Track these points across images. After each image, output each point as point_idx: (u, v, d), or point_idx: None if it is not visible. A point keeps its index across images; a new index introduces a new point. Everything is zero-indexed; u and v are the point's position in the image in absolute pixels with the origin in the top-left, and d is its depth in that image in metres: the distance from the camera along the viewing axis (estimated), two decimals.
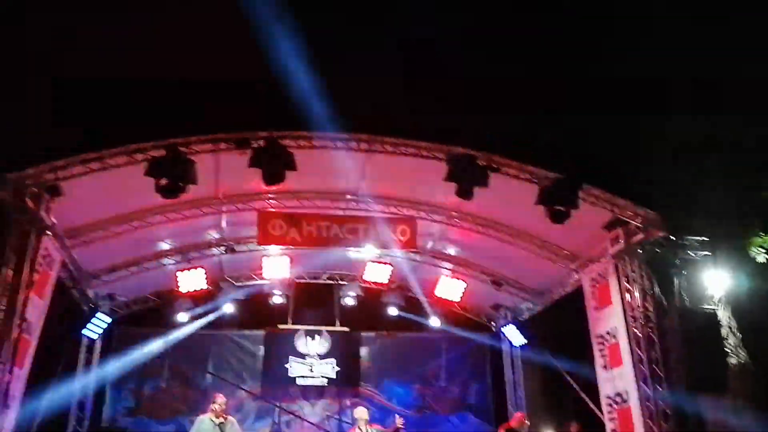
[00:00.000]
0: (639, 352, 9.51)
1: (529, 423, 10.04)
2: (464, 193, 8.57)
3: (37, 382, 9.23)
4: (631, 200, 9.35)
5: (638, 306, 9.65)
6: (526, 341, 13.31)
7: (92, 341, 12.06)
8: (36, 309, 8.34)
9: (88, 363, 12.04)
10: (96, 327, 11.58)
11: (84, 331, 11.49)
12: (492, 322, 14.41)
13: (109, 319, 11.80)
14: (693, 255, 9.81)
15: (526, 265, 11.64)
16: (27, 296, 7.85)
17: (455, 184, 8.56)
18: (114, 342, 12.72)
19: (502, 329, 13.87)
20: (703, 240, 9.61)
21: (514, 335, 13.48)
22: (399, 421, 8.82)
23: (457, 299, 12.59)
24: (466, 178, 8.53)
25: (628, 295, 9.88)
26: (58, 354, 10.76)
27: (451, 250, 12.26)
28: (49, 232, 8.45)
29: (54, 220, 8.50)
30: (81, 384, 11.74)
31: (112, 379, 12.48)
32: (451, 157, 8.65)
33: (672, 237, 9.53)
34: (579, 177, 8.86)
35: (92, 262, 10.67)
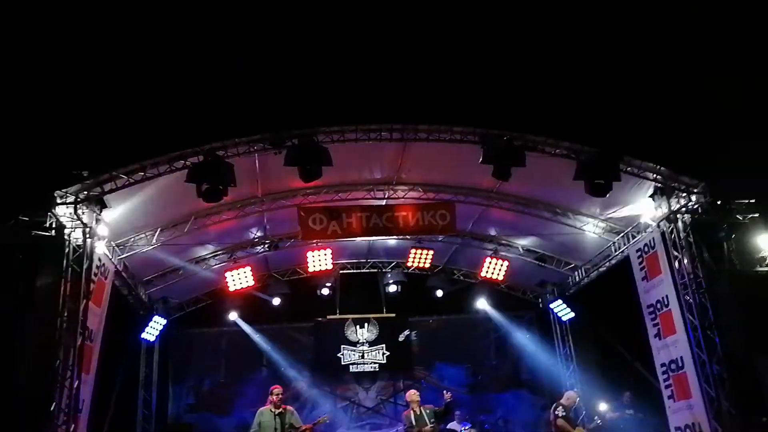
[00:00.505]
0: (692, 318, 9.38)
1: (579, 398, 10.03)
2: (501, 173, 8.55)
3: (103, 385, 9.68)
4: (673, 168, 9.16)
5: (688, 273, 9.50)
6: (574, 315, 13.22)
7: (151, 344, 12.51)
8: (95, 317, 8.70)
9: (148, 364, 12.49)
10: (153, 329, 12.00)
11: (143, 335, 11.91)
12: (539, 299, 14.35)
13: (164, 321, 12.21)
14: (740, 218, 9.59)
15: (569, 240, 11.53)
16: (86, 305, 8.19)
17: (492, 166, 8.53)
18: (171, 342, 13.17)
19: (550, 305, 13.80)
20: (750, 202, 9.38)
21: (562, 310, 13.40)
22: (447, 396, 8.94)
23: (502, 278, 12.57)
24: (503, 159, 8.50)
25: (677, 263, 9.73)
26: (121, 358, 11.22)
27: (493, 231, 12.22)
28: (101, 244, 8.79)
29: (105, 232, 8.84)
30: (144, 384, 12.21)
31: (173, 378, 12.94)
32: (486, 139, 8.61)
33: (717, 202, 9.34)
34: (618, 149, 8.72)
35: (144, 269, 11.05)
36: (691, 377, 9.37)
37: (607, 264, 11.89)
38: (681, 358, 9.64)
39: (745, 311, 8.70)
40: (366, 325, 13.74)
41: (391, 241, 11.97)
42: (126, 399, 11.41)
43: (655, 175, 9.23)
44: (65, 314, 7.90)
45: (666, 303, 9.96)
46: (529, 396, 14.11)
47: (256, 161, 9.06)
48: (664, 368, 10.10)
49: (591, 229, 10.99)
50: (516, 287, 14.14)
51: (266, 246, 11.66)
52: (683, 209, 9.42)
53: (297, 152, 8.20)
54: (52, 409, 7.42)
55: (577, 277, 12.92)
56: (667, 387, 10.04)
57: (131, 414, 11.83)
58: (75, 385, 7.79)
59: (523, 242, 12.40)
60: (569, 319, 13.54)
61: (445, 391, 9.10)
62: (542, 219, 10.93)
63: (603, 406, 11.14)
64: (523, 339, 14.47)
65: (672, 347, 9.89)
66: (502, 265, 12.25)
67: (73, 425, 7.62)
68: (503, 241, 12.41)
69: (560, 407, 9.30)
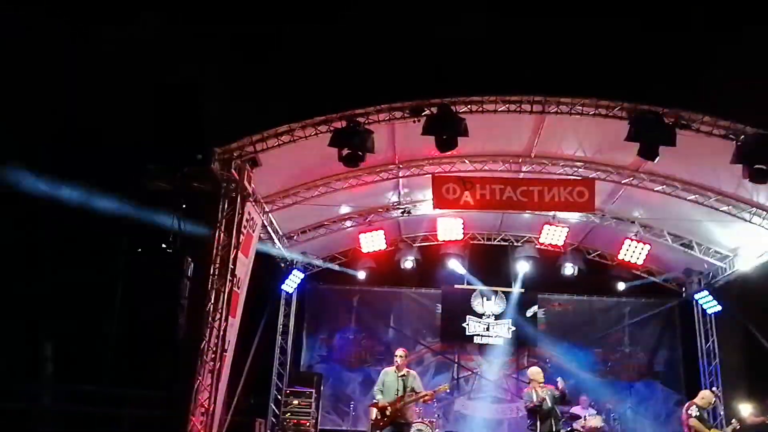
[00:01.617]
0: None
1: (717, 399, 9.31)
2: (648, 152, 8.05)
3: (246, 330, 10.58)
4: None
5: None
6: (720, 308, 12.24)
7: (289, 295, 13.40)
8: (243, 266, 9.46)
9: (286, 315, 13.41)
10: (292, 282, 12.83)
11: (282, 286, 12.78)
12: (683, 288, 13.44)
13: (302, 275, 13.00)
14: None
15: (721, 227, 10.65)
16: (236, 255, 8.94)
17: (638, 144, 8.06)
18: (307, 296, 14.02)
19: (695, 295, 12.90)
20: None
21: (707, 302, 12.47)
22: (560, 384, 8.74)
23: (641, 262, 11.91)
24: (651, 137, 7.99)
25: None
26: (262, 306, 12.15)
27: (636, 212, 11.57)
28: (251, 199, 9.50)
29: (254, 188, 9.55)
30: (281, 332, 13.16)
31: (307, 329, 13.81)
32: (635, 115, 8.13)
33: None
34: None
35: (287, 225, 11.78)
36: None
37: (764, 256, 10.83)
38: None
39: None
40: (493, 297, 13.72)
41: (525, 215, 11.75)
42: (265, 344, 12.32)
43: None
44: (217, 262, 8.68)
45: None
46: (662, 389, 13.42)
47: (395, 129, 9.26)
48: None
49: (747, 217, 10.05)
50: (657, 273, 13.33)
51: (400, 211, 11.93)
52: None
53: (435, 121, 8.27)
54: (202, 346, 8.26)
55: (728, 269, 11.92)
56: None
57: (269, 358, 12.80)
58: (223, 327, 8.57)
59: (669, 226, 11.62)
60: (715, 313, 12.59)
61: (559, 378, 8.91)
62: (690, 203, 10.16)
63: (744, 408, 10.30)
64: (662, 328, 13.69)
65: None
66: (642, 249, 11.60)
67: (219, 363, 8.41)
68: (646, 224, 11.72)
69: (694, 406, 8.75)
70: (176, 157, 8.29)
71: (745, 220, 10.12)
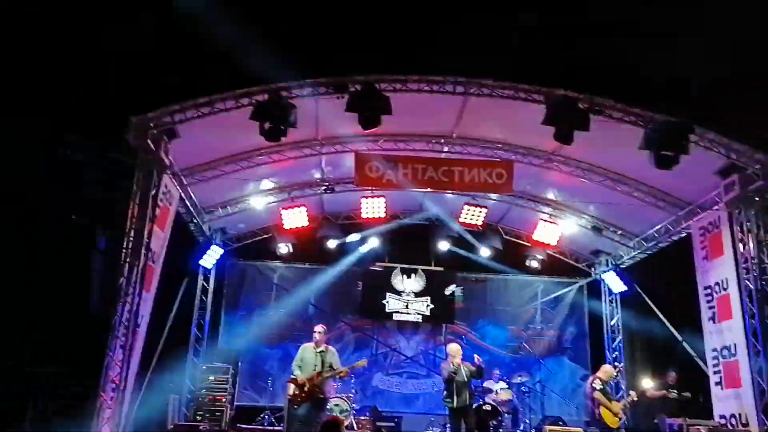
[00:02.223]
0: (751, 305, 9.10)
1: (618, 373, 9.90)
2: (563, 137, 8.36)
3: (162, 306, 10.29)
4: (748, 144, 8.71)
5: (752, 257, 9.16)
6: (626, 288, 12.99)
7: (208, 271, 13.11)
8: (158, 240, 9.18)
9: (204, 291, 13.13)
10: (211, 258, 12.54)
11: (200, 261, 12.47)
12: (591, 268, 14.14)
13: (221, 251, 12.74)
14: None
15: (629, 211, 11.25)
16: (151, 228, 8.66)
17: (554, 128, 8.35)
18: (226, 272, 13.76)
19: (602, 276, 13.60)
20: None
21: (614, 282, 13.18)
22: (477, 360, 9.10)
23: (554, 243, 12.43)
24: (566, 122, 8.29)
25: (741, 246, 9.39)
26: (179, 282, 11.83)
27: (550, 194, 12.03)
28: (168, 171, 9.20)
29: (172, 160, 9.24)
30: (199, 309, 12.87)
31: (226, 305, 13.58)
32: (551, 100, 8.41)
33: None
34: (690, 119, 8.34)
35: (206, 199, 11.49)
36: (743, 366, 9.15)
37: (667, 239, 11.56)
38: (735, 345, 9.40)
39: None
40: (413, 275, 13.94)
41: (446, 195, 11.97)
42: (181, 321, 12.04)
43: (727, 151, 8.81)
44: (131, 235, 8.38)
45: (725, 286, 9.67)
46: (570, 364, 14.10)
47: (318, 105, 9.17)
48: (715, 353, 9.89)
49: (653, 201, 10.67)
50: (568, 254, 13.97)
51: (323, 188, 11.88)
52: (755, 189, 8.99)
53: (358, 99, 8.25)
54: (113, 321, 7.98)
55: (633, 250, 12.64)
56: (715, 373, 9.87)
57: (185, 335, 12.53)
58: (136, 302, 8.31)
59: (581, 209, 12.17)
60: (621, 292, 13.32)
61: (475, 355, 9.25)
62: (602, 186, 10.67)
63: (646, 383, 11.02)
64: (571, 307, 14.38)
65: (726, 333, 9.65)
66: (555, 230, 12.10)
67: (131, 338, 8.16)
68: (559, 206, 12.21)
69: (597, 380, 9.31)
70: (91, 127, 7.97)
71: (650, 205, 10.74)
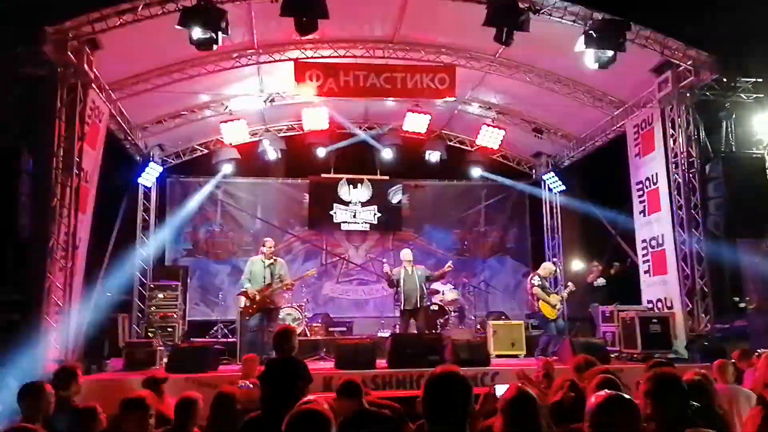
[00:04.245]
0: (678, 197, 9.57)
1: (559, 269, 10.45)
2: (503, 38, 8.24)
3: (102, 226, 10.04)
4: (682, 41, 8.85)
5: (682, 152, 9.57)
6: (565, 188, 13.42)
7: (148, 189, 12.77)
8: (90, 159, 8.79)
9: (146, 210, 12.82)
10: (149, 176, 12.18)
11: (139, 180, 12.11)
12: (533, 170, 14.48)
13: (160, 168, 12.38)
14: (744, 98, 9.49)
15: (568, 112, 11.44)
16: (81, 147, 8.27)
17: (495, 29, 8.22)
18: (168, 190, 13.47)
19: (543, 177, 13.97)
20: (756, 81, 9.21)
21: (554, 182, 13.57)
22: (448, 266, 9.46)
23: (497, 147, 12.60)
24: (507, 22, 8.16)
25: (672, 141, 9.75)
26: (119, 201, 11.51)
27: (492, 98, 12.04)
28: (94, 85, 8.70)
29: (97, 73, 8.72)
30: (142, 228, 12.64)
31: (170, 223, 13.37)
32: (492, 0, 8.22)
33: (724, 79, 9.15)
34: (627, 17, 8.36)
35: (139, 114, 11.00)
36: (670, 254, 9.73)
37: (603, 138, 11.88)
38: (662, 235, 9.94)
39: (732, 193, 8.80)
40: (359, 185, 13.99)
41: (389, 103, 11.82)
42: (124, 241, 11.82)
43: (662, 48, 8.94)
44: (60, 154, 8.00)
45: (655, 180, 10.11)
46: (512, 263, 14.71)
47: (252, 10, 8.71)
48: (645, 244, 10.45)
49: (591, 101, 10.84)
50: (511, 157, 14.21)
51: (262, 100, 11.52)
52: (687, 85, 9.25)
53: (293, 2, 7.84)
54: (51, 244, 7.75)
55: (572, 151, 12.96)
56: (645, 262, 10.46)
57: (129, 255, 12.34)
58: (72, 224, 8.05)
59: (522, 111, 12.27)
60: (560, 192, 13.76)
61: (449, 263, 9.60)
62: (542, 89, 10.74)
63: (577, 265, 11.65)
64: (513, 208, 14.82)
65: (655, 224, 10.17)
66: (498, 134, 12.22)
67: (71, 261, 7.97)
68: (501, 110, 12.28)
69: (536, 276, 9.77)
70: (2, 40, 7.35)
71: (589, 105, 10.93)
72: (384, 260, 11.85)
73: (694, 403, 3.05)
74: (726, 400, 4.57)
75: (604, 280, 11.44)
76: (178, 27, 7.70)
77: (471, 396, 2.61)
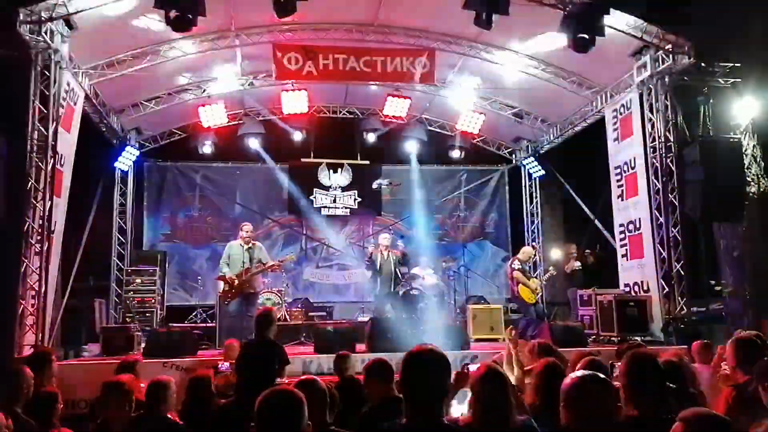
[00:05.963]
0: (656, 181, 9.68)
1: (537, 253, 10.54)
2: (483, 22, 8.22)
3: (78, 211, 9.89)
4: (661, 26, 8.91)
5: (660, 136, 9.65)
6: (544, 173, 13.49)
7: (125, 173, 12.60)
8: (65, 143, 8.65)
9: (123, 194, 12.67)
10: (126, 160, 12.02)
11: (116, 164, 11.94)
12: (513, 155, 14.54)
13: (137, 152, 12.21)
14: (722, 82, 9.59)
15: (548, 97, 11.47)
16: (56, 130, 8.12)
17: (474, 13, 8.19)
18: (146, 174, 13.30)
19: (522, 162, 14.04)
20: (734, 66, 9.30)
21: (533, 167, 13.65)
22: (400, 245, 9.50)
23: (477, 132, 12.61)
24: (487, 6, 8.13)
25: (650, 126, 9.84)
26: (95, 185, 11.34)
27: (472, 83, 12.02)
28: (69, 67, 8.54)
29: (72, 55, 8.56)
30: (119, 213, 12.48)
31: (147, 208, 13.22)
32: None
33: (702, 64, 9.23)
34: (606, 1, 8.38)
35: (115, 97, 10.83)
36: (647, 238, 9.84)
37: (583, 123, 11.95)
38: (639, 219, 10.06)
39: (709, 177, 8.90)
40: (339, 170, 13.94)
41: (370, 87, 11.75)
42: (101, 225, 11.68)
43: (641, 33, 8.98)
44: (35, 137, 7.87)
45: (633, 165, 10.21)
46: (492, 247, 14.80)
47: None
48: (622, 228, 10.57)
49: (570, 86, 10.88)
50: (491, 142, 14.25)
51: (241, 83, 11.39)
52: (665, 70, 9.32)
53: None
54: (25, 228, 7.64)
55: (551, 135, 13.02)
56: (622, 246, 10.58)
57: (107, 239, 12.21)
58: (47, 207, 7.93)
59: (502, 96, 12.28)
60: (539, 177, 13.84)
61: (399, 242, 9.63)
62: (523, 73, 10.75)
63: (556, 253, 11.78)
64: (493, 193, 14.88)
65: (632, 208, 10.28)
66: (478, 119, 12.23)
67: (46, 245, 7.86)
68: (482, 94, 12.28)
69: (517, 261, 9.85)
70: None
71: (568, 90, 10.96)
72: (366, 246, 11.87)
73: (671, 384, 3.10)
74: (705, 382, 4.65)
75: (579, 263, 11.56)
76: (155, 7, 7.56)
77: (449, 371, 2.63)
